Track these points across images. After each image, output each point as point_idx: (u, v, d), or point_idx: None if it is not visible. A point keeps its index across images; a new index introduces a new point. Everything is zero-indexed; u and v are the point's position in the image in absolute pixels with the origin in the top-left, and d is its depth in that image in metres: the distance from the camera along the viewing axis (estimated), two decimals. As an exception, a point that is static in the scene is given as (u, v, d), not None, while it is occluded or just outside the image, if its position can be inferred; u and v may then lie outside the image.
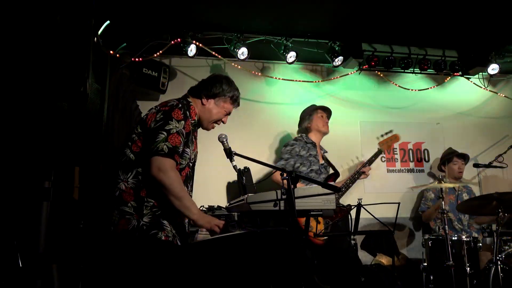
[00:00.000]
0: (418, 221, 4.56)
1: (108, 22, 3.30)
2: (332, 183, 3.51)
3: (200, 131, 2.44)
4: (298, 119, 4.03)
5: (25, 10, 1.29)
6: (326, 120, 3.93)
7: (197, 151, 2.35)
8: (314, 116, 3.90)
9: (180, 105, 2.16)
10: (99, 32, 3.32)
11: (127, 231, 2.00)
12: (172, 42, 3.88)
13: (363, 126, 4.71)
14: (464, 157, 4.33)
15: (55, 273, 1.66)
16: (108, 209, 2.07)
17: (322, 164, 3.82)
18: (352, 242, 3.19)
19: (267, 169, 4.10)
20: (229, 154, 2.21)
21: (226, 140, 2.25)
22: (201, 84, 2.37)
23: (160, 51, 3.89)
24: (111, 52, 3.55)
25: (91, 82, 1.55)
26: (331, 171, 3.85)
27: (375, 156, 3.92)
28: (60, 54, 1.32)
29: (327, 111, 3.97)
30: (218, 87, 2.31)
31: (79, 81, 1.32)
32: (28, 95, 1.36)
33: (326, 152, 4.02)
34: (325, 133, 3.92)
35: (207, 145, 3.45)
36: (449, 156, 4.32)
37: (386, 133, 4.12)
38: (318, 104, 4.06)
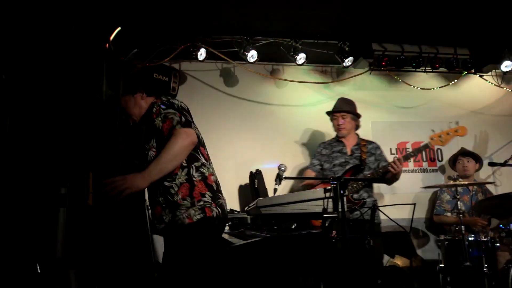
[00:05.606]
0: (432, 222, 4.50)
1: (119, 28, 3.34)
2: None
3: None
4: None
5: (42, 23, 1.32)
6: (340, 122, 3.69)
7: None
8: (332, 120, 3.82)
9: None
10: (111, 38, 3.36)
11: (193, 224, 1.99)
12: (182, 46, 3.91)
13: (375, 126, 4.67)
14: (474, 156, 4.26)
15: (73, 279, 1.67)
16: (160, 210, 2.06)
17: (350, 155, 3.68)
18: (368, 244, 3.14)
19: (293, 173, 4.29)
20: (279, 179, 2.51)
21: (284, 171, 2.72)
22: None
23: (170, 56, 3.93)
24: (122, 58, 3.58)
25: (106, 89, 1.57)
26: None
27: (416, 151, 3.61)
28: (75, 63, 1.34)
29: (338, 112, 3.71)
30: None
31: (94, 89, 1.34)
32: (45, 103, 1.38)
33: (365, 143, 3.73)
34: (342, 136, 3.73)
35: (219, 149, 3.46)
36: (455, 155, 4.29)
37: (450, 122, 3.74)
38: (329, 105, 3.97)
